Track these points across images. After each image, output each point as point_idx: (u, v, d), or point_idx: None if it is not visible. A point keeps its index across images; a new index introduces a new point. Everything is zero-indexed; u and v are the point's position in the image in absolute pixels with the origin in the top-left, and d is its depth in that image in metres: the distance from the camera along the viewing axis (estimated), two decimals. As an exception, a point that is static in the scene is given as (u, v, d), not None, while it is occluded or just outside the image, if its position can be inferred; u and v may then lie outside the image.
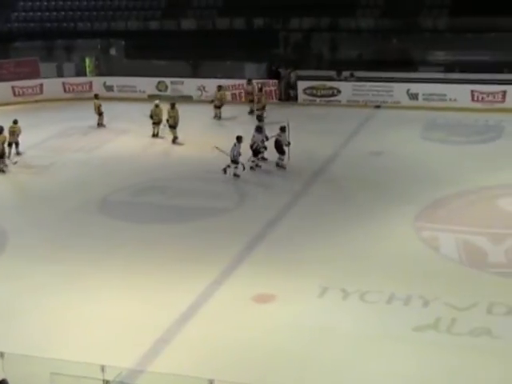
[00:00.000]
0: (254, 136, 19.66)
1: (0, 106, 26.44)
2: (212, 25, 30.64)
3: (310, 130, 20.25)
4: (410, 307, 12.27)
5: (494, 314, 11.97)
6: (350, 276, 13.44)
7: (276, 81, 27.68)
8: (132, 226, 16.34)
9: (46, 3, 33.11)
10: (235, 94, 27.34)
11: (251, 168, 19.42)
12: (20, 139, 21.39)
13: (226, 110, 25.22)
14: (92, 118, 24.76)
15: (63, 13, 32.58)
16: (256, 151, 19.57)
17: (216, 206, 17.28)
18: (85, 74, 30.42)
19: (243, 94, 26.92)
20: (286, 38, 29.94)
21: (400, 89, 26.31)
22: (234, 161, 18.92)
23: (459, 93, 25.65)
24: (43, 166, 20.71)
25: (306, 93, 27.53)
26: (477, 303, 12.19)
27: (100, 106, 24.71)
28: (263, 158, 19.86)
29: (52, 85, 29.04)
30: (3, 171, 20.14)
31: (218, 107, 25.18)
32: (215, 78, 27.68)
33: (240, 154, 18.97)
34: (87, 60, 30.79)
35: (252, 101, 25.72)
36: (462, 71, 26.67)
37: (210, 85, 26.78)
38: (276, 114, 21.62)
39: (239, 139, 19.05)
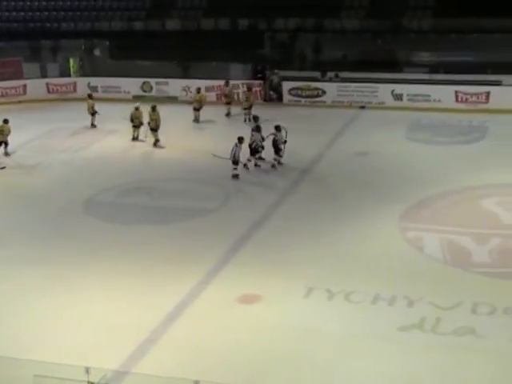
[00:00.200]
0: (252, 135, 19.78)
1: (-17, 106, 26.28)
2: (197, 25, 30.55)
3: (296, 130, 20.28)
4: (394, 307, 12.32)
5: (478, 313, 12.05)
6: (335, 276, 13.47)
7: (261, 81, 27.70)
8: (118, 226, 16.29)
9: (29, 3, 32.91)
10: (219, 94, 27.29)
11: (244, 165, 19.47)
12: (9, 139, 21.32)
13: (209, 111, 25.09)
14: (77, 118, 24.65)
15: (47, 13, 32.40)
16: (254, 150, 19.66)
17: (201, 207, 17.26)
18: (69, 75, 30.27)
19: (220, 96, 26.71)
20: (271, 39, 29.97)
21: (385, 89, 26.42)
22: (235, 161, 18.89)
23: (443, 94, 25.80)
24: (28, 167, 20.62)
25: (291, 93, 27.57)
26: (461, 303, 12.26)
27: (93, 105, 24.61)
28: (260, 158, 19.95)
29: (36, 85, 28.87)
30: None
31: (197, 109, 24.95)
32: (200, 78, 27.66)
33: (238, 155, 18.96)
34: (71, 60, 30.65)
35: (229, 103, 25.73)
36: (446, 72, 26.84)
37: (195, 85, 26.70)
38: (261, 115, 21.67)
39: (240, 140, 19.02)
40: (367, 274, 13.52)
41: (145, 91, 28.67)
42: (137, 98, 27.64)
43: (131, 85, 28.79)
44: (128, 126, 22.90)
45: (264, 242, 15.09)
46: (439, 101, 25.77)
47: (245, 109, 24.78)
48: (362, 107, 26.38)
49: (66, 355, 10.63)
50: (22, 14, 32.52)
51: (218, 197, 17.97)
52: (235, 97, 26.49)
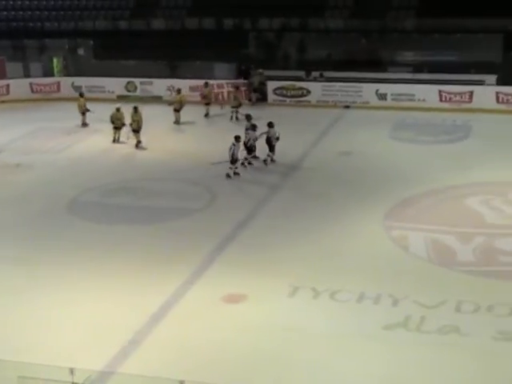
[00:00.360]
0: (248, 133, 19.87)
1: (-34, 106, 26.11)
2: (181, 25, 30.51)
3: (281, 130, 20.30)
4: (379, 306, 12.37)
5: (463, 311, 12.12)
6: (320, 275, 13.50)
7: (246, 81, 27.69)
8: (102, 227, 16.22)
9: (12, 2, 32.68)
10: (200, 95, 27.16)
11: (242, 164, 19.50)
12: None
13: (191, 111, 24.92)
14: (61, 118, 24.55)
15: (30, 12, 32.19)
16: (250, 148, 19.72)
17: (187, 207, 17.23)
18: (52, 75, 30.11)
19: (200, 97, 26.46)
20: (255, 39, 29.97)
21: (369, 89, 26.51)
22: (233, 161, 18.87)
23: (427, 93, 25.94)
24: (11, 167, 20.46)
25: (275, 93, 27.59)
26: (445, 301, 12.32)
27: (85, 104, 24.46)
28: (254, 157, 20.02)
29: (19, 85, 28.71)
30: None
31: (177, 111, 24.81)
32: (185, 78, 27.57)
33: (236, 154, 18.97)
34: (55, 60, 30.48)
35: (208, 104, 25.72)
36: (430, 72, 26.99)
37: (180, 85, 26.61)
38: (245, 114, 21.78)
39: (237, 139, 19.00)
40: (352, 272, 13.56)
41: (129, 91, 28.57)
42: (121, 97, 27.53)
43: (115, 84, 28.68)
44: (111, 127, 22.74)
45: (250, 241, 15.09)
46: (423, 100, 25.91)
47: (233, 107, 24.90)
48: (347, 107, 26.45)
49: (52, 356, 10.57)
50: (5, 13, 32.29)
51: (204, 196, 17.94)
52: (214, 97, 26.42)
